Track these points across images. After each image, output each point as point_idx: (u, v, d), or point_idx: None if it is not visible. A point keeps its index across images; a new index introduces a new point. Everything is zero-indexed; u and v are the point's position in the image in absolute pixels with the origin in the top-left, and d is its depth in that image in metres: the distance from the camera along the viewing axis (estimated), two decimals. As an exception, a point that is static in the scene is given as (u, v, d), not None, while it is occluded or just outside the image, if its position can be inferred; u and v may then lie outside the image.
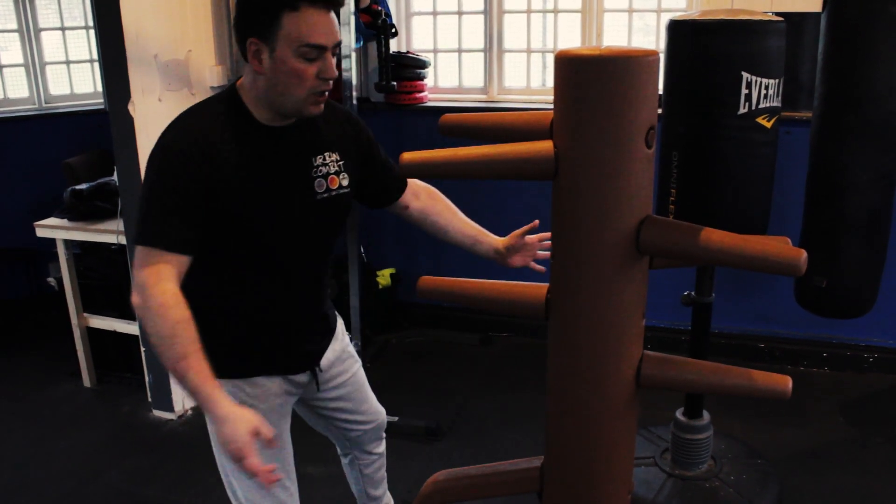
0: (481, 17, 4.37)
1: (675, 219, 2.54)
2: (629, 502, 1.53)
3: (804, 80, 3.65)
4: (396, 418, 3.21)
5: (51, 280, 4.35)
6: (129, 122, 3.27)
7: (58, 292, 4.08)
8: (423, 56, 4.32)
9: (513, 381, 3.89)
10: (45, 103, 5.00)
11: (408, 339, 4.38)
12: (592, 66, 1.20)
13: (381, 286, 4.34)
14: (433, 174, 1.36)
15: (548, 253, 1.96)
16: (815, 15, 2.88)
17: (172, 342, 1.59)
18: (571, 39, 4.31)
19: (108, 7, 3.18)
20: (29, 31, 4.88)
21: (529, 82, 4.44)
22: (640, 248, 1.27)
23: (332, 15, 1.71)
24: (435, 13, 4.49)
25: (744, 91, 2.37)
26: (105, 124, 3.44)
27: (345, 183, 1.94)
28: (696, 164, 2.50)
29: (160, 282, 1.63)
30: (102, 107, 4.73)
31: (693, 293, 2.78)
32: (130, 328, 3.71)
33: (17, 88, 4.93)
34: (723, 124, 2.42)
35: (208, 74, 3.64)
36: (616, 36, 4.28)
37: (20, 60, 4.89)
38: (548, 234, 1.94)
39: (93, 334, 3.90)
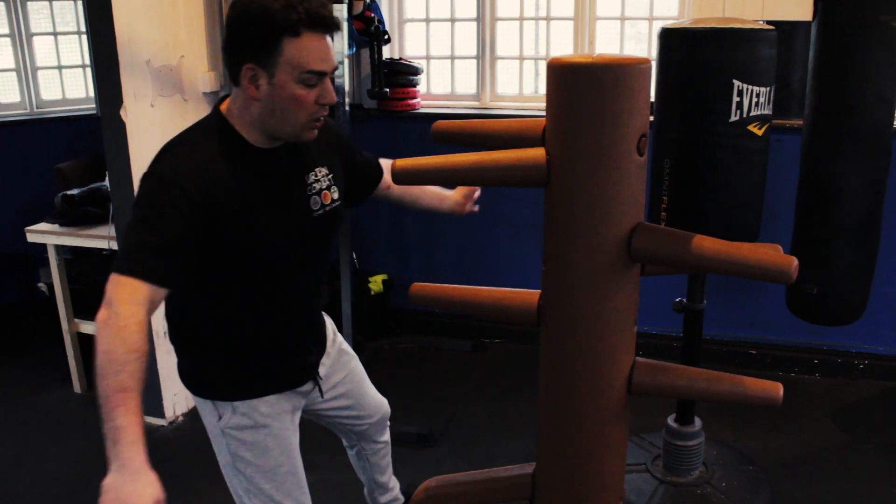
0: (474, 24, 4.38)
1: (666, 226, 2.55)
2: (621, 509, 1.53)
3: (795, 88, 3.67)
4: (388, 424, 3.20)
5: (41, 285, 4.33)
6: (121, 127, 3.26)
7: (48, 298, 4.07)
8: (416, 63, 4.33)
9: (505, 387, 3.89)
10: (37, 108, 4.98)
11: (400, 346, 4.37)
12: (585, 73, 1.21)
13: (373, 292, 4.33)
14: (426, 181, 1.36)
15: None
16: (806, 23, 2.90)
17: (120, 368, 1.49)
18: (564, 47, 4.32)
19: (101, 12, 3.17)
20: (21, 36, 4.86)
21: (522, 89, 4.45)
22: (632, 256, 1.27)
23: (330, 40, 1.70)
24: (428, 20, 4.50)
25: (735, 99, 2.38)
26: (97, 129, 3.44)
27: (336, 196, 1.96)
28: (687, 172, 2.51)
29: (131, 304, 1.57)
30: (94, 112, 4.72)
31: (684, 300, 2.79)
32: (121, 334, 3.69)
33: (9, 93, 4.91)
34: (714, 132, 2.44)
35: (200, 80, 3.63)
36: (608, 43, 4.30)
37: (12, 65, 4.88)
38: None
39: (84, 340, 3.88)
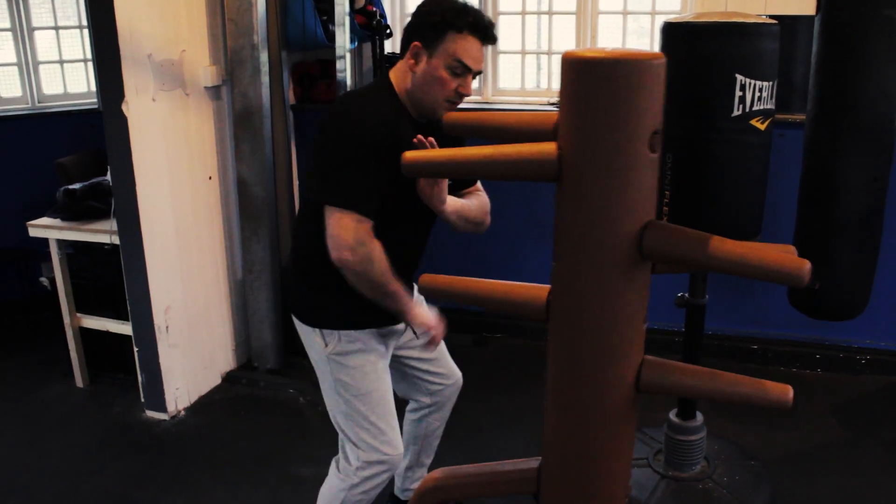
0: (476, 18, 4.37)
1: (669, 221, 2.55)
2: (627, 504, 1.53)
3: (798, 82, 3.66)
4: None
5: (43, 280, 4.33)
6: (122, 121, 3.25)
7: (50, 292, 4.06)
8: (418, 57, 4.32)
9: (507, 382, 3.89)
10: (39, 103, 4.97)
11: (401, 340, 4.37)
12: (599, 67, 1.20)
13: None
14: (436, 173, 1.36)
15: None
16: (809, 18, 2.89)
17: (385, 280, 2.06)
18: (566, 41, 4.32)
19: (102, 6, 3.16)
20: (22, 30, 4.85)
21: (524, 84, 4.44)
22: (643, 253, 1.27)
23: (483, 48, 2.09)
24: (429, 14, 4.48)
25: (738, 93, 2.38)
26: (98, 124, 3.43)
27: (450, 180, 2.22)
28: (690, 167, 2.51)
29: (372, 239, 2.04)
30: (96, 106, 4.71)
31: (686, 295, 2.79)
32: (124, 328, 3.69)
33: (10, 88, 4.91)
34: (717, 126, 2.43)
35: (202, 74, 3.63)
36: (610, 38, 4.29)
37: (13, 59, 4.87)
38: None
39: (85, 334, 3.89)
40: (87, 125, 4.62)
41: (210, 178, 3.76)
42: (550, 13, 4.33)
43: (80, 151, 4.44)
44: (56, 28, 5.02)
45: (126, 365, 3.82)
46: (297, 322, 2.32)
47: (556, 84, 3.49)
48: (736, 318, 4.09)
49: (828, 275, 2.86)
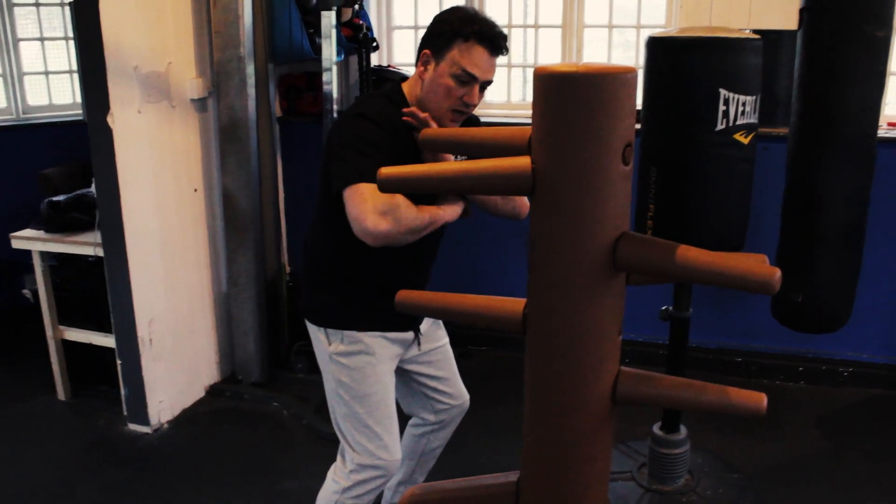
0: (462, 31, 4.39)
1: (653, 234, 2.56)
2: (606, 517, 1.53)
3: (781, 96, 3.69)
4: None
5: (26, 292, 4.31)
6: (107, 133, 3.25)
7: (33, 304, 4.04)
8: (405, 70, 4.33)
9: (491, 394, 3.89)
10: (23, 114, 4.97)
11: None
12: (570, 82, 1.21)
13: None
14: (412, 188, 1.36)
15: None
16: (792, 32, 2.92)
17: (422, 219, 2.02)
18: (552, 54, 4.34)
19: (88, 18, 3.16)
20: (7, 41, 4.85)
21: (510, 97, 4.46)
22: (617, 265, 1.27)
23: (493, 60, 2.10)
24: (416, 27, 4.51)
25: (721, 107, 2.40)
26: (83, 135, 3.42)
27: None
28: (674, 180, 2.53)
29: (392, 196, 1.97)
30: (81, 118, 4.69)
31: (671, 308, 2.80)
32: (107, 340, 3.67)
33: (-5, 98, 4.90)
34: (701, 140, 2.45)
35: (188, 86, 3.63)
36: (596, 51, 4.32)
37: (-2, 70, 4.87)
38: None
39: (68, 347, 3.86)
40: (72, 136, 4.61)
41: (195, 190, 3.75)
42: (536, 26, 4.36)
43: (64, 163, 4.42)
44: (41, 39, 5.01)
45: (109, 377, 3.80)
46: (307, 323, 2.37)
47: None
48: (720, 331, 4.11)
49: (811, 287, 2.88)
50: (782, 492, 3.12)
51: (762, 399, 1.34)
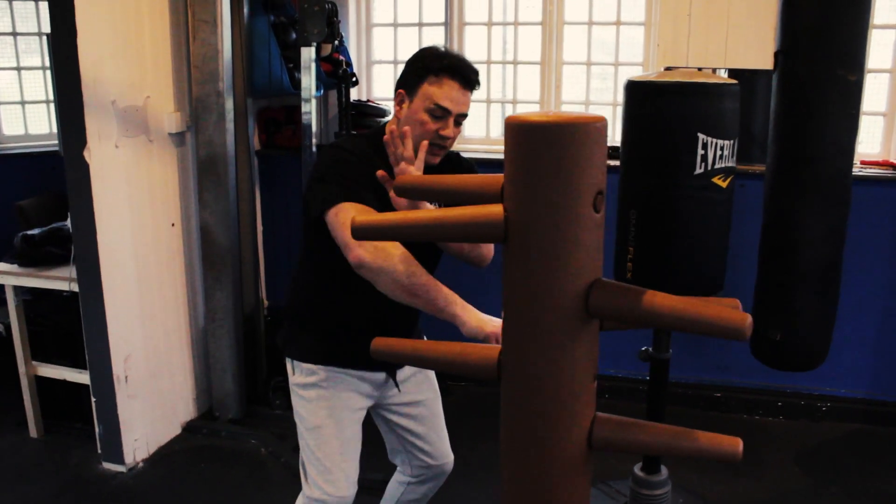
0: (442, 66, 4.41)
1: (632, 276, 2.57)
2: (582, 565, 1.51)
3: (757, 133, 3.73)
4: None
5: (-2, 326, 4.25)
6: (84, 168, 3.23)
7: (5, 339, 3.98)
8: (384, 105, 4.35)
9: (470, 431, 3.86)
10: (-1, 144, 4.92)
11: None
12: (541, 132, 1.21)
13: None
14: (385, 237, 1.35)
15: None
16: (767, 72, 2.96)
17: (412, 270, 1.94)
18: (531, 90, 4.37)
19: (66, 51, 3.15)
20: (-16, 72, 4.82)
21: (489, 132, 4.48)
22: (590, 311, 1.27)
23: (467, 94, 2.13)
24: (395, 62, 4.53)
25: (700, 151, 2.42)
26: (59, 166, 3.40)
27: None
28: (653, 223, 2.54)
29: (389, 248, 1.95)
30: (57, 149, 4.67)
31: (650, 349, 2.79)
32: (81, 377, 3.62)
33: (-29, 129, 4.86)
34: (680, 184, 2.47)
35: (166, 121, 3.62)
36: (574, 85, 4.35)
37: (-26, 100, 4.83)
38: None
39: (41, 383, 3.80)
40: (48, 167, 4.58)
41: (173, 224, 3.73)
42: (515, 62, 4.39)
43: (40, 194, 4.39)
44: (18, 69, 4.98)
45: (83, 415, 3.74)
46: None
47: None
48: (699, 367, 4.11)
49: (789, 325, 2.89)
50: (762, 530, 3.10)
51: (738, 444, 1.33)
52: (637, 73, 4.19)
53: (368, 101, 4.38)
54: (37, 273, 3.62)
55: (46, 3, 3.19)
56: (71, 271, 3.46)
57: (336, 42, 3.94)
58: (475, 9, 4.37)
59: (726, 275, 2.75)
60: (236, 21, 3.77)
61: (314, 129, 3.70)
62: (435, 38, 4.37)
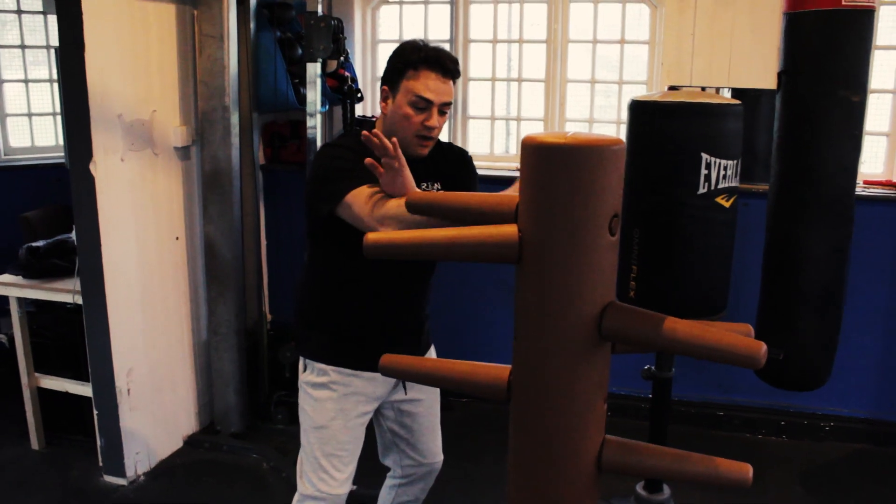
0: (447, 83, 4.43)
1: (635, 295, 2.57)
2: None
3: (761, 152, 3.74)
4: (355, 487, 3.15)
5: (1, 337, 4.24)
6: (90, 181, 3.23)
7: (8, 350, 3.98)
8: (389, 120, 4.36)
9: (473, 447, 3.85)
10: (5, 155, 4.93)
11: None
12: (558, 153, 1.22)
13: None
14: (397, 255, 1.36)
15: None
16: (771, 91, 2.97)
17: (404, 216, 1.89)
18: (535, 107, 4.39)
19: (74, 65, 3.17)
20: (-9, 84, 4.84)
21: (493, 149, 4.50)
22: (603, 334, 1.27)
23: (447, 82, 2.16)
24: (401, 78, 4.54)
25: (703, 171, 2.43)
26: (65, 178, 3.41)
27: None
28: (656, 242, 2.54)
29: (383, 203, 1.98)
30: (63, 161, 4.68)
31: (653, 367, 2.80)
32: (83, 389, 3.61)
33: (-23, 141, 4.87)
34: (683, 203, 2.48)
35: (172, 135, 3.63)
36: (578, 102, 4.37)
37: (-19, 112, 4.84)
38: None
39: (43, 395, 3.79)
40: (54, 179, 4.58)
41: (177, 238, 3.73)
42: (520, 80, 4.41)
43: (45, 206, 4.40)
44: (26, 81, 5.00)
45: (85, 427, 3.73)
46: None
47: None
48: (702, 385, 4.10)
49: (792, 345, 2.89)
50: (765, 550, 3.09)
51: (748, 470, 1.33)
52: (641, 92, 4.22)
53: (373, 116, 4.39)
54: (41, 285, 3.62)
55: (55, 17, 3.20)
56: (75, 283, 3.46)
57: (342, 58, 3.97)
58: (480, 26, 4.39)
59: (729, 293, 2.75)
60: (243, 36, 3.79)
61: (319, 144, 3.71)
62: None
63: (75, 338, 3.62)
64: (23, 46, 4.95)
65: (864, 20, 2.65)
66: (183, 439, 3.89)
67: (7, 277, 3.68)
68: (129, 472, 3.54)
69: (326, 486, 2.33)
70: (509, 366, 1.40)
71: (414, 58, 2.14)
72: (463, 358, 1.49)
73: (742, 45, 3.89)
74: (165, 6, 3.55)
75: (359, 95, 4.10)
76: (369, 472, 2.71)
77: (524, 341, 1.32)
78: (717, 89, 3.71)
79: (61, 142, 4.95)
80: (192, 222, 3.81)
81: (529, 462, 1.40)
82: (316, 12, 3.64)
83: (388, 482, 2.67)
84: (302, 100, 3.86)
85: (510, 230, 1.28)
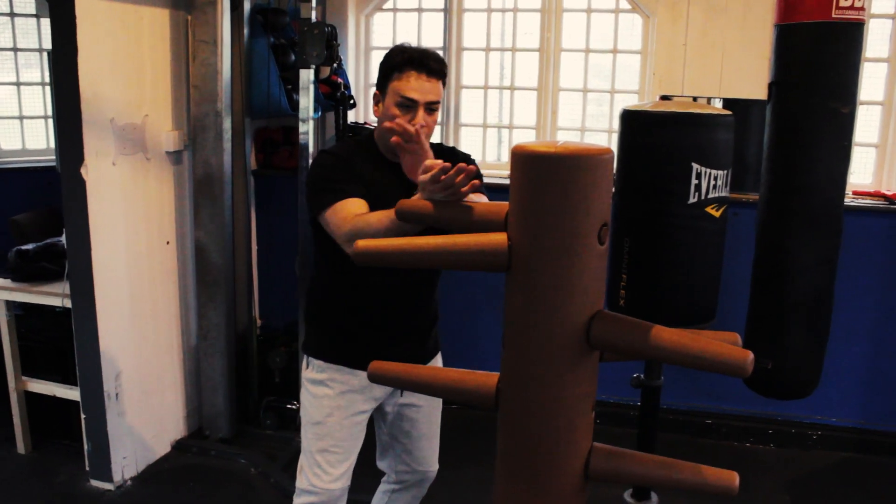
0: (439, 90, 4.44)
1: (625, 303, 2.58)
2: None
3: (751, 162, 3.77)
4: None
5: (-11, 340, 4.21)
6: (81, 185, 3.23)
7: (-4, 353, 3.96)
8: (381, 126, 4.36)
9: (462, 453, 3.85)
10: (-4, 158, 4.91)
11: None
12: (548, 163, 1.23)
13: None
14: (388, 262, 1.36)
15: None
16: (761, 101, 2.99)
17: (379, 222, 1.95)
18: (527, 115, 4.40)
19: (66, 68, 3.16)
20: (-18, 86, 4.82)
21: (485, 156, 4.51)
22: (591, 343, 1.28)
23: (432, 81, 2.17)
24: (394, 85, 4.55)
25: (694, 181, 2.44)
26: (56, 181, 3.40)
27: None
28: (647, 251, 2.55)
29: (355, 218, 2.03)
30: (54, 164, 4.67)
31: (642, 376, 2.80)
32: (71, 393, 3.60)
33: (-32, 143, 4.85)
34: (673, 213, 2.49)
35: (164, 139, 3.63)
36: (570, 110, 4.38)
37: (-28, 115, 4.82)
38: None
39: (31, 398, 3.78)
40: (45, 183, 4.56)
41: (168, 242, 3.73)
42: (512, 88, 4.42)
43: (35, 209, 4.37)
44: (17, 84, 4.99)
45: (72, 431, 3.72)
46: None
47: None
48: (691, 393, 4.12)
49: (780, 354, 2.90)
50: (752, 559, 3.10)
51: (734, 478, 1.34)
52: (633, 101, 4.24)
53: (366, 123, 4.39)
54: (30, 288, 3.61)
55: (48, 20, 3.20)
56: (64, 287, 3.45)
57: (335, 65, 3.97)
58: (474, 34, 4.41)
59: (719, 303, 2.76)
60: (236, 42, 3.79)
61: (311, 150, 3.71)
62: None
63: (63, 341, 3.61)
64: (15, 49, 4.93)
65: (853, 33, 2.66)
66: (171, 444, 3.88)
67: (-4, 280, 3.67)
68: (116, 477, 3.53)
69: (320, 482, 2.37)
70: (497, 373, 1.41)
71: (398, 60, 2.18)
72: (452, 365, 1.50)
73: (733, 56, 3.91)
74: (159, 11, 3.55)
75: (351, 102, 4.11)
76: (363, 476, 2.71)
77: (512, 349, 1.33)
78: (709, 99, 3.74)
79: (52, 145, 4.94)
80: (182, 227, 3.80)
81: (516, 469, 1.41)
82: (310, 19, 3.65)
83: (382, 487, 2.70)
84: (295, 106, 3.87)
85: (499, 239, 1.29)
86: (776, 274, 2.86)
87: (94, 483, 3.54)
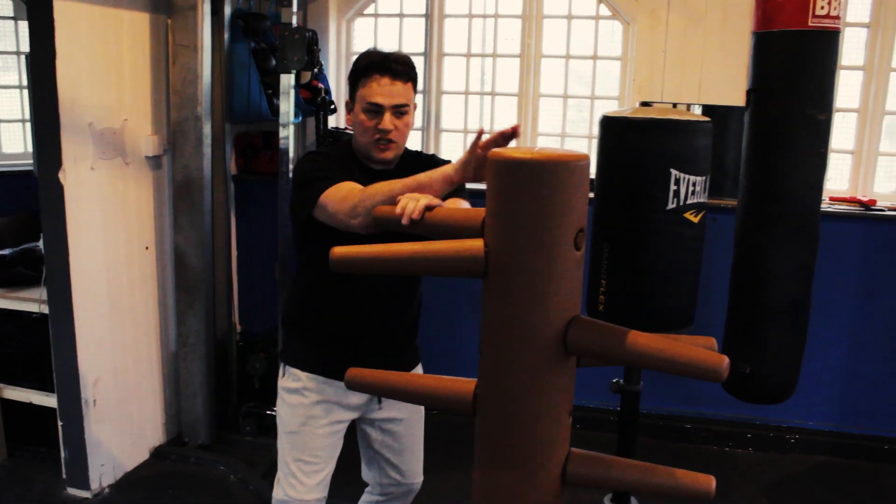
0: (420, 95, 4.45)
1: (604, 308, 2.59)
2: None
3: (729, 168, 3.79)
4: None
5: (-35, 347, 4.17)
6: (58, 190, 3.20)
7: (-28, 360, 3.91)
8: (362, 132, 4.36)
9: (444, 459, 3.84)
10: (-28, 163, 4.86)
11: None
12: (524, 169, 1.23)
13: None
14: (364, 269, 1.36)
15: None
16: (740, 108, 3.02)
17: (368, 199, 1.91)
18: (508, 120, 4.41)
19: (44, 72, 3.13)
20: (-41, 90, 4.77)
21: (466, 161, 4.51)
22: (568, 349, 1.28)
23: (397, 84, 2.15)
24: (375, 90, 4.55)
25: (672, 187, 2.46)
26: (33, 187, 3.36)
27: None
28: (626, 256, 2.57)
29: (354, 189, 2.01)
30: (31, 169, 4.62)
31: (621, 381, 2.81)
32: (48, 400, 3.56)
33: (-56, 147, 4.79)
34: (652, 219, 2.50)
35: (143, 144, 3.60)
36: (550, 118, 4.40)
37: (-52, 119, 4.77)
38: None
39: (6, 405, 3.73)
40: (22, 187, 4.52)
41: (147, 248, 3.70)
42: (493, 94, 4.44)
43: (12, 214, 4.33)
44: (-5, 88, 4.94)
45: (48, 438, 3.68)
46: None
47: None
48: (669, 398, 4.14)
49: (758, 359, 2.92)
50: (731, 563, 3.12)
51: (711, 482, 1.35)
52: (613, 107, 4.26)
53: (346, 128, 4.39)
54: (6, 294, 3.57)
55: (26, 23, 3.17)
56: (41, 293, 3.42)
57: (315, 70, 3.96)
58: (455, 40, 4.42)
59: (698, 308, 2.78)
60: (216, 46, 3.77)
61: (291, 155, 3.70)
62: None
63: (40, 348, 3.57)
64: (-8, 52, 4.90)
65: (829, 41, 2.70)
66: (149, 451, 3.85)
67: (-29, 286, 3.63)
68: (94, 485, 3.49)
69: (294, 492, 2.34)
70: (475, 380, 1.41)
71: (363, 65, 2.17)
72: (433, 371, 1.50)
73: (712, 63, 3.95)
74: (139, 15, 3.53)
75: (332, 107, 4.11)
76: (346, 486, 2.70)
77: (490, 355, 1.33)
78: (688, 106, 3.77)
79: (30, 149, 4.90)
80: (162, 232, 3.78)
81: (495, 475, 1.41)
82: (291, 23, 3.65)
83: (366, 497, 2.67)
84: (275, 111, 3.86)
85: (476, 244, 1.29)
86: (754, 279, 2.89)
87: (72, 491, 3.51)
